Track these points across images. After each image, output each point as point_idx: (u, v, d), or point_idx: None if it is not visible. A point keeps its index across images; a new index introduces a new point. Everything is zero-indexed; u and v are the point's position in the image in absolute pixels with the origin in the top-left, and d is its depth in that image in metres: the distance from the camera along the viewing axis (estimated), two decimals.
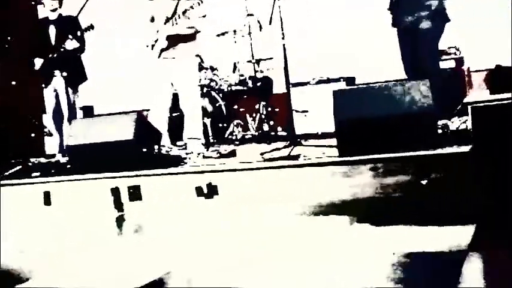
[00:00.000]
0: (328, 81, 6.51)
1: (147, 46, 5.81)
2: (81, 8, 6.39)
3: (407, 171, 3.72)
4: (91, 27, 6.25)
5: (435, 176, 3.59)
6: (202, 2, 5.67)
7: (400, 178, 3.74)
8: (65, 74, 6.45)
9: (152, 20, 5.79)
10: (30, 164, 6.17)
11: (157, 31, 5.70)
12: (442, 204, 3.51)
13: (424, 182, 3.58)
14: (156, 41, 5.71)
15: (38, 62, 6.48)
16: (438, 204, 3.51)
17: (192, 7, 5.59)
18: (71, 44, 6.33)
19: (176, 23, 5.63)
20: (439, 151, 3.79)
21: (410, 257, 2.77)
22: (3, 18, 7.63)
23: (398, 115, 4.06)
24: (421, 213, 3.49)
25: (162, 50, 5.71)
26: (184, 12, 5.59)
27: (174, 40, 5.67)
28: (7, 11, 7.66)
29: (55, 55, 6.40)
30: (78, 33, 6.30)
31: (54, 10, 6.52)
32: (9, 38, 6.95)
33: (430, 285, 2.43)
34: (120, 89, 8.66)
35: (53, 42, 6.49)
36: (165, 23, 5.66)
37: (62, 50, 6.35)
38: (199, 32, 5.77)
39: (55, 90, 6.51)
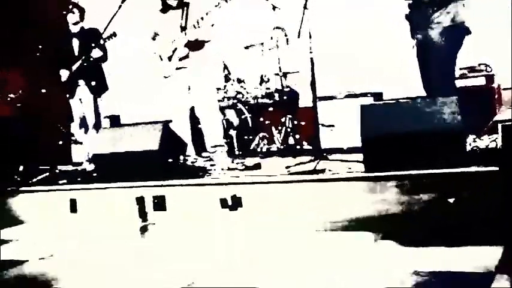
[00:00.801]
0: (356, 95, 6.46)
1: (161, 58, 5.84)
2: (107, 25, 6.45)
3: (434, 188, 3.67)
4: (114, 34, 6.32)
5: (463, 195, 3.54)
6: (219, 5, 5.69)
7: (427, 196, 3.69)
8: (93, 83, 6.54)
9: (154, 37, 5.86)
10: (57, 171, 6.24)
11: (173, 41, 5.74)
12: (469, 223, 3.44)
13: (451, 200, 3.53)
14: (174, 51, 5.76)
15: (64, 74, 6.59)
16: (465, 224, 3.45)
17: (202, 18, 5.63)
18: (96, 53, 6.43)
19: (190, 31, 5.66)
20: (467, 169, 3.73)
21: (434, 276, 2.72)
22: (34, 27, 7.78)
23: (426, 132, 4.01)
24: (448, 232, 3.43)
25: (180, 59, 5.75)
26: (199, 22, 5.63)
27: (189, 49, 5.71)
28: (38, 20, 7.81)
29: (79, 65, 6.49)
30: (100, 43, 6.39)
31: (75, 23, 6.63)
32: (40, 46, 7.06)
33: None
34: (145, 99, 8.73)
35: (76, 53, 6.59)
36: (182, 30, 5.70)
37: (87, 59, 6.43)
38: (209, 41, 5.80)
39: (80, 100, 6.60)
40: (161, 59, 5.85)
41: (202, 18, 5.59)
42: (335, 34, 7.50)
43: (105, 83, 6.73)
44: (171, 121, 6.03)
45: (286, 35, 7.41)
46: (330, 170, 4.47)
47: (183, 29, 5.69)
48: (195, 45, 5.70)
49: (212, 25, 5.76)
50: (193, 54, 5.72)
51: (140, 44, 7.85)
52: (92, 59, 6.44)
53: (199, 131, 6.03)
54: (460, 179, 3.65)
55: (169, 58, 5.78)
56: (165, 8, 5.85)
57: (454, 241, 3.25)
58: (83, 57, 6.44)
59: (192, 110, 5.99)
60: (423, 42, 5.07)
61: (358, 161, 4.51)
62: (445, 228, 3.49)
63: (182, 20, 5.71)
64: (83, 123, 6.66)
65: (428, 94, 5.04)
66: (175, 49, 5.73)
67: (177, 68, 5.77)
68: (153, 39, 5.88)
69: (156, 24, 5.94)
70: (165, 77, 5.88)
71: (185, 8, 5.77)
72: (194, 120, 6.05)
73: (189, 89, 5.80)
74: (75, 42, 6.64)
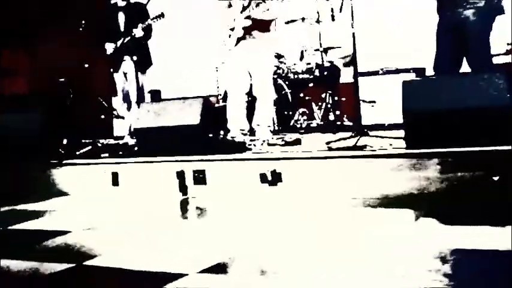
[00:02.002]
0: (398, 71, 6.37)
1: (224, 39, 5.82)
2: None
3: (478, 167, 3.60)
4: (161, 15, 6.33)
5: (508, 173, 3.46)
6: None
7: (471, 174, 3.62)
8: (134, 58, 6.59)
9: (230, 5, 5.81)
10: (99, 145, 6.35)
11: (234, 19, 5.71)
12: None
13: (496, 178, 3.46)
14: (232, 29, 5.73)
15: (109, 47, 6.64)
16: (510, 203, 3.38)
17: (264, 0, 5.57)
18: (139, 32, 6.45)
19: (253, 9, 5.61)
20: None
21: (475, 254, 2.68)
22: (77, 2, 7.86)
23: (470, 108, 3.93)
24: (491, 211, 3.37)
25: (239, 39, 5.71)
26: (258, 5, 5.58)
27: (250, 28, 5.67)
28: None
29: (125, 41, 6.53)
30: (147, 22, 6.40)
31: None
32: (83, 21, 7.13)
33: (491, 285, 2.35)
34: (188, 74, 8.77)
35: (121, 28, 6.63)
36: (241, 12, 5.67)
37: (132, 35, 6.47)
38: (276, 18, 5.75)
39: (124, 74, 6.66)
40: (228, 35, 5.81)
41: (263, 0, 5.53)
42: (377, 9, 7.38)
43: (150, 59, 6.77)
44: (211, 96, 6.05)
45: (332, 10, 7.29)
46: (370, 146, 4.43)
47: (245, 8, 5.65)
48: (256, 24, 5.65)
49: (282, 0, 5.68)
50: (254, 32, 5.68)
51: (187, 21, 7.89)
52: (135, 36, 6.47)
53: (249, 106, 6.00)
54: (506, 157, 3.57)
55: (229, 35, 5.77)
56: None
57: (498, 220, 3.20)
58: (128, 34, 6.48)
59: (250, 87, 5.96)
60: (454, 20, 4.90)
61: (399, 138, 4.46)
62: (488, 207, 3.43)
63: (245, 1, 5.66)
64: (126, 98, 6.73)
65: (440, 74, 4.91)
66: (234, 28, 5.70)
67: (235, 45, 5.75)
68: (229, 7, 5.83)
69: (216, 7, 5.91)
70: (228, 50, 5.86)
71: None
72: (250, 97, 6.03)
73: (246, 66, 5.76)
74: (121, 16, 6.66)
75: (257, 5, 5.58)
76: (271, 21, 5.70)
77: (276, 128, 7.11)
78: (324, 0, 7.39)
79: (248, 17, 5.61)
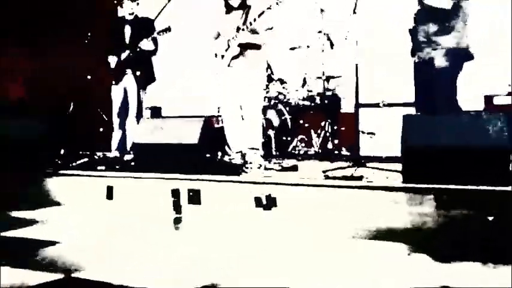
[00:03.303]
0: (398, 105, 6.40)
1: (216, 55, 5.88)
2: (160, 12, 6.51)
3: (473, 205, 3.60)
4: (168, 29, 6.33)
5: (503, 214, 3.46)
6: (270, 8, 5.68)
7: (465, 212, 3.62)
8: (138, 73, 6.59)
9: (217, 37, 5.88)
10: (96, 157, 6.34)
11: (228, 40, 5.76)
12: (507, 243, 3.37)
13: (490, 218, 3.46)
14: (226, 50, 5.77)
15: (112, 60, 6.63)
16: (503, 243, 3.38)
17: (255, 20, 5.62)
18: (146, 45, 6.45)
19: (246, 32, 5.67)
20: (509, 188, 3.65)
21: None
22: (85, 15, 7.91)
23: (469, 147, 3.94)
24: (484, 251, 3.36)
25: (232, 58, 5.76)
26: (251, 23, 5.63)
27: (243, 50, 5.72)
28: (89, 8, 7.93)
29: (129, 54, 6.54)
30: (153, 35, 6.41)
31: (132, 14, 6.68)
32: (89, 34, 7.17)
33: None
34: (188, 93, 8.80)
35: (127, 41, 6.64)
36: (237, 31, 5.72)
37: (136, 50, 6.48)
38: (265, 44, 5.80)
39: (124, 88, 6.64)
40: (215, 56, 5.88)
41: (254, 20, 5.60)
42: (382, 41, 7.43)
43: (153, 75, 6.76)
44: (212, 116, 6.07)
45: (329, 39, 7.35)
46: (367, 178, 4.43)
47: (239, 29, 5.70)
48: (249, 45, 5.70)
49: (270, 28, 5.76)
50: (246, 54, 5.73)
51: (192, 40, 7.94)
52: (140, 50, 6.48)
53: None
54: (501, 198, 3.57)
55: (222, 56, 5.81)
56: (228, 8, 5.88)
57: (490, 260, 3.19)
58: (133, 48, 6.49)
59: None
60: (424, 62, 5.06)
61: (396, 171, 4.46)
62: (481, 247, 3.42)
63: (241, 21, 5.72)
64: (121, 113, 6.68)
65: (422, 111, 5.07)
66: (229, 47, 5.74)
67: (228, 66, 5.79)
68: (216, 38, 5.90)
69: (214, 23, 5.97)
70: (216, 73, 5.91)
71: (246, 9, 5.78)
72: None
73: (237, 88, 5.79)
74: (127, 30, 6.68)
75: (248, 27, 5.63)
76: (262, 45, 5.75)
77: (274, 152, 7.11)
78: (328, 30, 7.45)
79: (241, 41, 5.66)
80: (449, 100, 4.93)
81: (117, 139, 6.72)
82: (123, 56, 6.57)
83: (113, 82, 6.69)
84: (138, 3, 6.67)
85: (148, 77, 6.74)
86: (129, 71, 6.60)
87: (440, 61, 4.94)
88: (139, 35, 6.51)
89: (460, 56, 4.97)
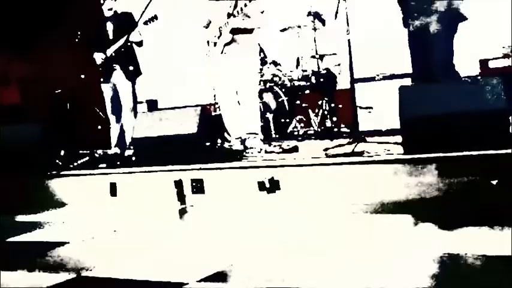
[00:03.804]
0: (394, 77, 6.37)
1: (208, 43, 5.85)
2: (148, 3, 6.44)
3: (476, 171, 3.60)
4: (155, 17, 6.26)
5: (506, 177, 3.46)
6: None
7: (468, 178, 3.62)
8: (131, 68, 6.54)
9: (207, 25, 5.84)
10: (97, 155, 6.34)
11: (220, 27, 5.73)
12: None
13: (494, 182, 3.45)
14: (219, 37, 5.74)
15: (98, 57, 6.57)
16: (509, 207, 3.38)
17: (245, 5, 5.58)
18: (135, 37, 6.41)
19: (238, 18, 5.64)
20: (510, 151, 3.64)
21: (473, 259, 2.68)
22: (74, 14, 7.87)
23: (467, 113, 3.92)
24: (491, 216, 3.36)
25: (225, 45, 5.73)
26: (243, 8, 5.60)
27: (235, 36, 5.69)
28: (77, 6, 7.89)
29: (116, 49, 6.48)
30: (140, 24, 6.35)
31: (110, 9, 6.62)
32: (79, 33, 7.13)
33: None
34: (184, 83, 8.78)
35: (111, 37, 6.58)
36: (228, 18, 5.69)
37: (125, 43, 6.42)
38: (259, 28, 5.77)
39: (114, 84, 6.59)
40: (208, 44, 5.85)
41: (245, 5, 5.56)
42: (372, 15, 7.40)
43: (139, 68, 6.71)
44: (209, 104, 6.05)
45: (321, 18, 7.32)
46: (368, 152, 4.43)
47: (230, 15, 5.67)
48: (241, 30, 5.67)
49: (262, 12, 5.72)
50: (239, 40, 5.70)
51: (181, 29, 7.90)
52: (129, 43, 6.44)
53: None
54: (504, 161, 3.57)
55: (215, 44, 5.78)
56: None
57: (497, 224, 3.19)
58: (122, 41, 6.44)
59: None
60: (418, 29, 4.98)
61: (397, 143, 4.46)
62: (488, 211, 3.43)
63: (231, 7, 5.68)
64: (114, 109, 6.64)
65: (420, 81, 5.01)
66: (221, 34, 5.71)
67: (221, 53, 5.76)
68: (206, 27, 5.87)
69: (204, 11, 5.93)
70: (209, 62, 5.88)
71: None
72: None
73: (232, 74, 5.77)
74: (109, 26, 6.62)
75: (239, 12, 5.59)
76: (255, 29, 5.71)
77: (273, 135, 7.11)
78: (318, 9, 7.42)
79: (232, 26, 5.63)
80: (447, 65, 4.87)
81: (116, 136, 6.70)
82: (109, 52, 6.52)
83: (101, 80, 6.62)
84: (116, 0, 6.62)
85: (136, 71, 6.68)
86: (117, 66, 6.54)
87: (434, 26, 4.88)
88: (122, 29, 6.46)
89: (453, 18, 4.91)
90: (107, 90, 6.61)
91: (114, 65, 6.52)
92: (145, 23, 6.31)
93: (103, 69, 6.57)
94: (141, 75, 6.69)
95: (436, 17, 4.84)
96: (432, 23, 4.85)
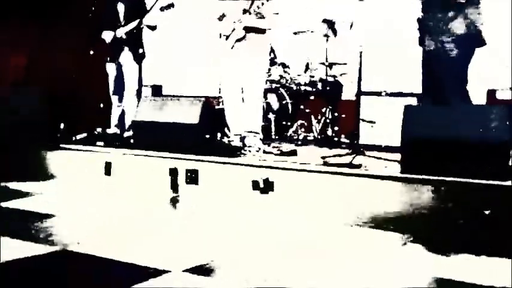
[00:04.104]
0: (401, 95, 6.38)
1: (220, 36, 5.85)
2: None
3: (471, 198, 3.61)
4: (172, 5, 6.26)
5: (500, 208, 3.47)
6: None
7: (462, 204, 3.63)
8: (140, 50, 6.53)
9: (221, 18, 5.83)
10: (95, 133, 6.32)
11: (234, 22, 5.73)
12: (503, 237, 3.38)
13: (487, 212, 3.46)
14: (232, 31, 5.74)
15: (108, 36, 6.55)
16: (498, 237, 3.39)
17: (263, 4, 5.58)
18: (149, 21, 6.40)
19: (252, 15, 5.63)
20: (507, 183, 3.65)
21: (457, 286, 2.69)
22: None
23: (469, 139, 3.92)
24: (479, 244, 3.37)
25: (236, 41, 5.73)
26: (259, 7, 5.60)
27: (248, 33, 5.69)
28: None
29: (128, 31, 6.47)
30: (155, 10, 6.33)
31: None
32: (91, 8, 7.09)
33: None
34: (191, 72, 8.76)
35: (121, 19, 6.56)
36: (243, 13, 5.68)
37: (137, 26, 6.41)
38: (271, 29, 5.77)
39: (120, 65, 6.56)
40: (220, 37, 5.84)
41: (262, 4, 5.56)
42: (387, 30, 7.40)
43: (144, 51, 6.68)
44: (213, 97, 6.04)
45: (333, 28, 7.30)
46: (365, 166, 4.43)
47: (246, 12, 5.66)
48: (254, 29, 5.67)
49: (276, 13, 5.72)
50: (251, 38, 5.70)
51: (195, 19, 7.88)
52: (142, 26, 6.43)
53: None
54: (500, 192, 3.58)
55: (227, 38, 5.77)
56: None
57: (484, 253, 3.20)
58: (135, 23, 6.42)
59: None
60: (434, 50, 4.90)
61: (395, 161, 4.46)
62: (477, 239, 3.43)
63: (248, 3, 5.67)
64: (117, 90, 6.62)
65: (429, 102, 4.93)
66: (234, 30, 5.70)
67: (231, 48, 5.75)
68: (220, 19, 5.86)
69: (220, 4, 5.92)
70: (218, 55, 5.88)
71: None
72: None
73: (239, 70, 5.76)
74: (120, 7, 6.60)
75: (256, 10, 5.59)
76: (267, 29, 5.72)
77: (273, 136, 7.10)
78: (332, 17, 7.40)
79: (246, 24, 5.63)
80: (460, 89, 4.84)
81: (117, 116, 6.68)
82: (119, 33, 6.49)
83: (108, 59, 6.60)
84: None
85: (143, 54, 6.67)
86: (126, 48, 6.52)
87: (451, 49, 4.83)
88: (133, 11, 6.44)
89: (471, 41, 4.85)
90: (112, 69, 6.60)
91: (123, 46, 6.50)
92: (162, 9, 6.30)
93: (111, 49, 6.55)
94: (145, 58, 6.67)
95: (453, 39, 4.79)
96: (449, 45, 4.80)
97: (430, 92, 4.96)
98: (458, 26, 4.76)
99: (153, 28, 6.52)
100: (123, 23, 6.48)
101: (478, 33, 4.79)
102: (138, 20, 6.38)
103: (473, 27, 4.78)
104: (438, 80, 4.85)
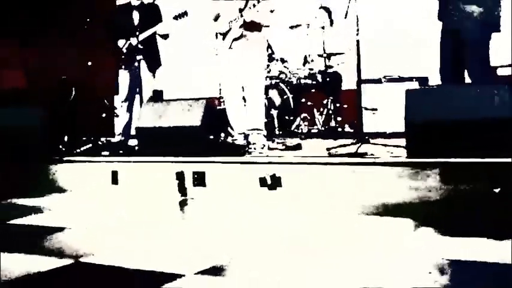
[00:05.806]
0: (401, 80, 6.36)
1: (217, 36, 5.85)
2: None
3: (479, 178, 3.60)
4: (185, 13, 6.26)
5: (509, 186, 3.45)
6: None
7: (471, 185, 3.62)
8: (150, 58, 6.52)
9: (216, 19, 5.82)
10: (100, 143, 6.34)
11: (230, 21, 5.73)
12: None
13: (497, 190, 3.45)
14: (228, 31, 5.74)
15: (122, 44, 6.53)
16: (509, 215, 3.37)
17: (258, 1, 5.57)
18: (163, 29, 6.41)
19: (248, 14, 5.63)
20: None
21: (471, 266, 2.68)
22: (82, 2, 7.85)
23: (473, 119, 3.92)
24: (491, 224, 3.36)
25: (234, 40, 5.73)
26: (255, 5, 5.59)
27: (244, 32, 5.69)
28: None
29: (142, 40, 6.46)
30: (169, 19, 6.34)
31: None
32: (88, 20, 7.12)
33: None
34: (190, 75, 8.77)
35: (136, 26, 6.55)
36: (239, 12, 5.68)
37: (151, 34, 6.41)
38: (268, 26, 5.77)
39: (134, 73, 6.55)
40: (216, 37, 5.85)
41: (258, 1, 5.56)
42: (382, 16, 7.39)
43: (160, 60, 6.69)
44: (214, 98, 6.04)
45: (330, 16, 7.32)
46: (371, 154, 4.43)
47: (241, 11, 5.66)
48: (251, 27, 5.67)
49: (272, 11, 5.71)
50: (247, 36, 5.69)
51: (191, 22, 7.87)
52: (152, 36, 6.42)
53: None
54: (507, 169, 3.56)
55: (224, 37, 5.77)
56: None
57: (497, 233, 3.18)
58: (150, 32, 6.41)
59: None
60: (454, 29, 4.88)
61: (400, 146, 4.45)
62: (488, 219, 3.42)
63: (242, 2, 5.67)
64: (129, 97, 6.62)
65: (448, 82, 4.90)
66: (230, 29, 5.70)
67: (229, 48, 5.75)
68: (215, 20, 5.86)
69: (214, 4, 5.92)
70: (216, 55, 5.89)
71: None
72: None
73: (238, 69, 5.76)
74: (135, 16, 6.59)
75: (251, 8, 5.58)
76: (263, 26, 5.71)
77: (277, 132, 7.10)
78: (328, 6, 7.40)
79: (242, 22, 5.62)
80: (485, 66, 4.82)
81: (123, 124, 6.68)
82: (134, 41, 6.48)
83: (122, 66, 6.59)
84: None
85: (157, 62, 6.68)
86: (139, 56, 6.52)
87: (471, 27, 4.77)
88: (148, 20, 6.44)
89: (489, 26, 4.82)
90: (125, 77, 6.58)
91: (137, 54, 6.49)
92: (176, 18, 6.30)
93: (126, 57, 6.54)
94: (160, 66, 6.67)
95: (473, 20, 4.75)
96: (469, 24, 4.74)
97: (448, 70, 4.88)
98: (476, 9, 4.73)
99: (165, 37, 6.53)
100: (137, 32, 6.48)
101: (495, 19, 4.76)
102: (153, 29, 6.38)
103: (491, 12, 4.74)
104: (457, 58, 4.80)
